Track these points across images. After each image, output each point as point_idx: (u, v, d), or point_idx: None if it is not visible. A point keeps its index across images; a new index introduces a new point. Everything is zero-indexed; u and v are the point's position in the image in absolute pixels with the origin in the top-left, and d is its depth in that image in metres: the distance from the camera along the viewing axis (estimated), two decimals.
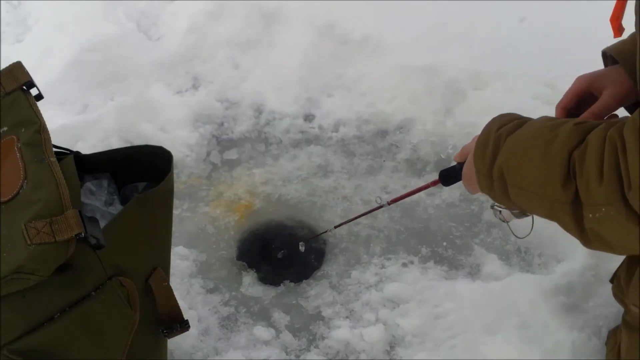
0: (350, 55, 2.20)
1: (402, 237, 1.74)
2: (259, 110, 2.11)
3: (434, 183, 1.31)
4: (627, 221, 0.80)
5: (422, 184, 1.87)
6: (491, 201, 1.14)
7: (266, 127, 2.06)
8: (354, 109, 2.06)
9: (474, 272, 1.64)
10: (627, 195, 0.78)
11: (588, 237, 0.87)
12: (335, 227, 1.59)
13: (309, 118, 2.08)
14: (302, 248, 1.64)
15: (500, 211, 1.20)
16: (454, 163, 1.23)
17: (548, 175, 0.87)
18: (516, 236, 1.30)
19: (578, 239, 0.90)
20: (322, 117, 2.07)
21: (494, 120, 1.02)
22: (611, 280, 1.26)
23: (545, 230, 1.66)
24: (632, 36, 1.17)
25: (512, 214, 1.19)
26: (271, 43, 2.26)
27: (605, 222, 0.83)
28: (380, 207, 1.44)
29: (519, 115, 1.01)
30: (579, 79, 1.16)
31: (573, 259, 1.56)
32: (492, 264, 1.64)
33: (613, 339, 1.30)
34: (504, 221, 1.22)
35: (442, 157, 1.92)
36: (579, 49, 1.91)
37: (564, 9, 2.12)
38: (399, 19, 2.23)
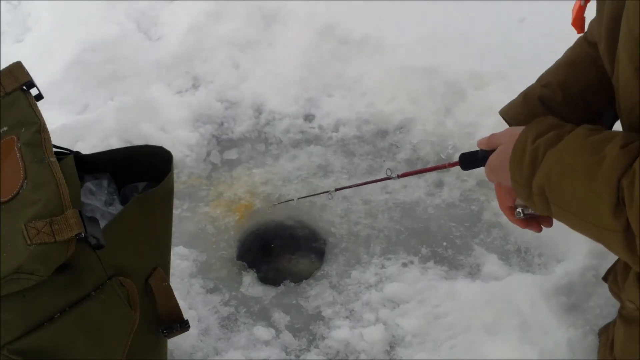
0: (350, 55, 2.20)
1: (402, 237, 1.74)
2: (259, 110, 2.11)
3: (452, 164, 1.26)
4: None
5: (422, 183, 1.88)
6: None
7: (266, 127, 2.06)
8: (354, 109, 2.06)
9: (474, 272, 1.64)
10: None
11: None
12: (336, 189, 1.56)
13: (309, 118, 2.08)
14: (330, 196, 1.60)
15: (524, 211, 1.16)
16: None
17: (596, 202, 0.83)
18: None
19: (632, 265, 0.87)
20: (322, 117, 2.07)
21: (530, 127, 0.97)
22: (604, 279, 1.26)
23: (545, 230, 1.66)
24: (523, 95, 1.24)
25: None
26: (271, 43, 2.26)
27: None
28: (389, 178, 1.39)
29: (554, 120, 0.96)
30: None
31: (573, 259, 1.56)
32: (492, 264, 1.64)
33: (605, 333, 1.30)
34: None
35: (442, 157, 1.92)
36: None
37: (564, 9, 2.11)
38: (399, 19, 2.23)
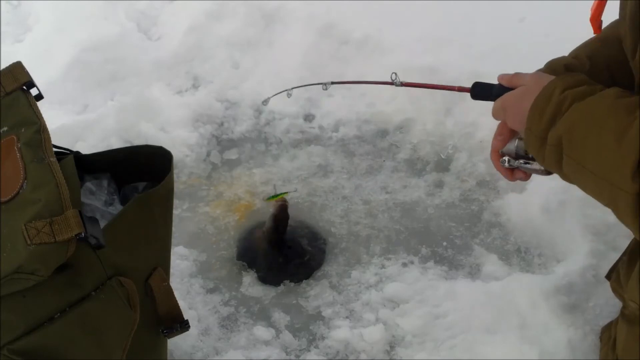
0: (350, 55, 2.20)
1: (402, 237, 1.74)
2: (259, 110, 2.11)
3: (461, 89, 1.22)
4: None
5: (422, 183, 1.88)
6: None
7: (266, 127, 2.06)
8: (354, 109, 2.06)
9: (474, 272, 1.64)
10: None
11: None
12: (333, 82, 1.47)
13: (309, 118, 2.09)
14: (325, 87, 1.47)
15: (522, 163, 1.10)
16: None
17: (619, 161, 0.82)
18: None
19: (634, 231, 0.85)
20: (322, 117, 2.07)
21: (561, 77, 0.95)
22: (607, 277, 1.26)
23: (545, 230, 1.66)
24: (548, 65, 1.19)
25: (534, 170, 1.10)
26: (271, 43, 2.26)
27: None
28: (392, 83, 1.35)
29: (586, 78, 0.94)
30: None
31: (573, 259, 1.56)
32: (492, 264, 1.64)
33: (607, 332, 1.30)
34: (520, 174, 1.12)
35: (442, 157, 1.92)
36: None
37: (564, 9, 2.12)
38: (399, 19, 2.23)
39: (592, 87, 0.91)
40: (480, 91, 1.17)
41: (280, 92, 1.56)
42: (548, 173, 1.08)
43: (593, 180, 0.87)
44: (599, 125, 0.86)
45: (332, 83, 1.47)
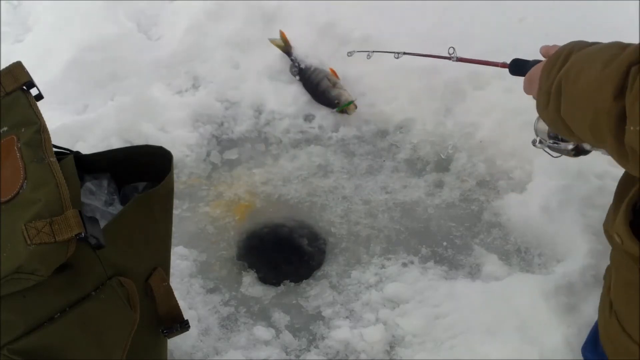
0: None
1: (402, 237, 1.74)
2: (259, 110, 2.11)
3: (504, 65, 1.33)
4: None
5: (422, 183, 1.88)
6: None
7: (266, 127, 2.06)
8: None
9: (474, 272, 1.64)
10: None
11: (626, 154, 0.85)
12: (405, 53, 1.75)
13: (309, 118, 2.08)
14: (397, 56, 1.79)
15: (552, 143, 1.18)
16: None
17: (602, 84, 0.85)
18: (552, 156, 1.26)
19: (615, 156, 0.88)
20: (322, 117, 2.07)
21: (571, 41, 1.00)
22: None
23: (545, 230, 1.66)
24: None
25: (562, 150, 1.16)
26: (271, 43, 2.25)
27: None
28: (449, 58, 1.53)
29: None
30: None
31: (573, 259, 1.56)
32: (492, 264, 1.64)
33: (608, 274, 1.30)
34: (552, 154, 1.20)
35: (442, 157, 1.92)
36: None
37: (564, 9, 2.12)
38: (399, 19, 2.22)
39: (598, 43, 0.95)
40: (518, 66, 1.25)
41: (363, 51, 1.82)
42: (576, 154, 1.12)
43: (581, 110, 0.90)
44: (592, 59, 0.90)
45: (404, 53, 1.75)
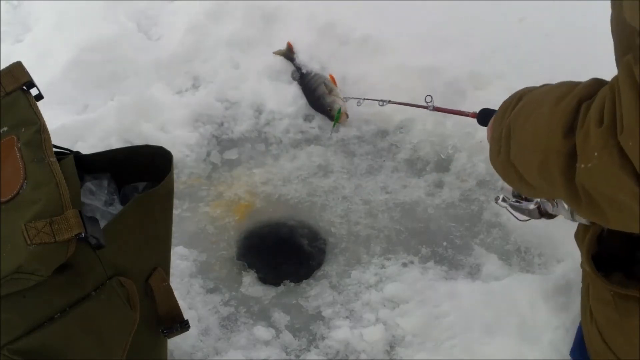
0: (351, 55, 2.20)
1: (402, 237, 1.74)
2: (259, 110, 2.11)
3: (473, 115, 1.40)
4: (620, 169, 0.74)
5: (422, 183, 1.88)
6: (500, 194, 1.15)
7: (266, 127, 2.06)
8: (354, 109, 2.06)
9: (474, 272, 1.64)
10: (619, 138, 0.73)
11: (578, 196, 0.82)
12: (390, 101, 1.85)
13: (308, 118, 2.08)
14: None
15: (514, 202, 1.19)
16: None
17: (552, 123, 0.83)
18: (517, 218, 1.28)
19: (566, 198, 0.85)
20: (322, 117, 2.07)
21: (525, 87, 1.01)
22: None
23: (545, 230, 1.66)
24: None
25: (524, 209, 1.18)
26: (271, 43, 2.26)
27: (597, 174, 0.77)
28: (426, 107, 1.63)
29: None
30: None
31: (573, 259, 1.56)
32: (492, 264, 1.64)
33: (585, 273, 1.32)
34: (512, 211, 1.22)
35: (442, 157, 1.92)
36: (579, 49, 1.91)
37: (564, 9, 2.12)
38: (399, 19, 2.23)
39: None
40: (484, 116, 1.30)
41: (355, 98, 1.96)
42: (539, 214, 1.13)
43: (530, 153, 0.89)
44: (541, 99, 0.89)
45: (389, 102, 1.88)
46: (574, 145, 0.80)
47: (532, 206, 1.19)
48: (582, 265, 1.16)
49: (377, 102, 1.89)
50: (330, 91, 2.04)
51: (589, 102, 0.79)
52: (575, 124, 0.80)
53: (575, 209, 0.86)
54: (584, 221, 1.09)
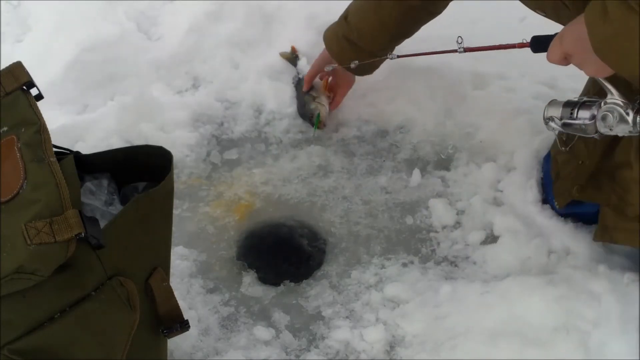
0: None
1: (402, 237, 1.74)
2: (259, 110, 2.11)
3: (521, 45, 1.36)
4: None
5: (422, 183, 1.87)
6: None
7: (266, 127, 2.06)
8: (354, 109, 2.06)
9: (475, 272, 1.63)
10: None
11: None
12: (399, 56, 1.70)
13: None
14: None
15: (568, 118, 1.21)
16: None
17: None
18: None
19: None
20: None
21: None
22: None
23: (545, 230, 1.66)
24: None
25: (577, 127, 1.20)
26: (271, 43, 2.26)
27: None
28: (455, 51, 1.50)
29: None
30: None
31: (574, 259, 1.56)
32: (492, 264, 1.63)
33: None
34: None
35: (442, 157, 1.92)
36: None
37: None
38: None
39: None
40: (540, 42, 1.29)
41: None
42: (595, 131, 1.15)
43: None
44: None
45: (398, 56, 1.73)
46: None
47: (587, 121, 1.18)
48: None
49: (390, 59, 1.75)
50: (315, 98, 2.01)
51: None
52: None
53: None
54: None
